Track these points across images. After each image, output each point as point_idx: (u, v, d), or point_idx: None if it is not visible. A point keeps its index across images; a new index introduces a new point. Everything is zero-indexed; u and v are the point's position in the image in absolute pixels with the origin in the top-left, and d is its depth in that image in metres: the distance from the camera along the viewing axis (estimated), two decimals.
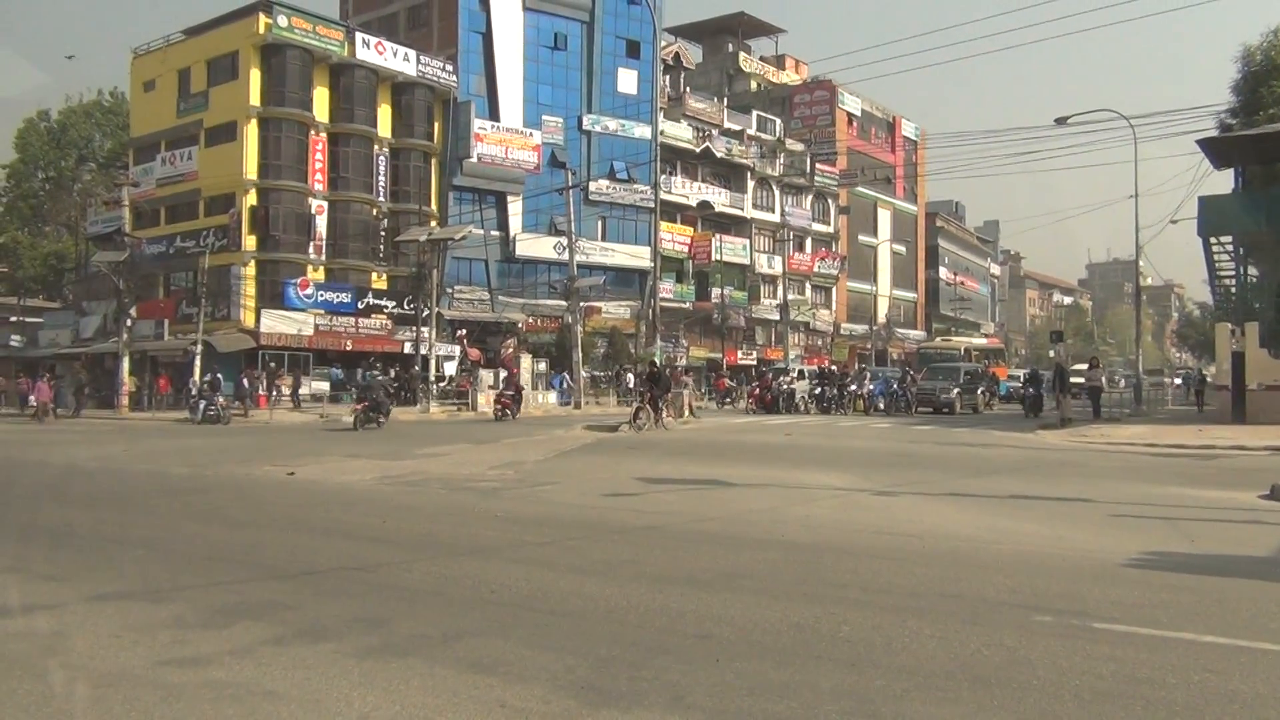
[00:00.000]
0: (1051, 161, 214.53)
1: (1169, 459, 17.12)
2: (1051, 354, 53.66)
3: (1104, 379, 34.25)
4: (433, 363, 37.77)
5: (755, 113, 64.83)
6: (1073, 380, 30.44)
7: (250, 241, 41.57)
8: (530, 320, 49.89)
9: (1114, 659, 4.66)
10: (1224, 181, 31.50)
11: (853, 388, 37.31)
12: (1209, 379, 39.31)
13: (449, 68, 47.83)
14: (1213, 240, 29.33)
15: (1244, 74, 31.65)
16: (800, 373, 41.35)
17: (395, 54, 45.69)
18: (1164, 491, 11.75)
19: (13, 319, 51.95)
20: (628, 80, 54.78)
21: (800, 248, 66.76)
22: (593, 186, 51.43)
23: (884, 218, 76.62)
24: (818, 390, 37.06)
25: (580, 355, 40.65)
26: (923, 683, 4.34)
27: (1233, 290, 31.63)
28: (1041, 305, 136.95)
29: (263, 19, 41.70)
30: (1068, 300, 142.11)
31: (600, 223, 53.47)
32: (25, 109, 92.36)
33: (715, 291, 56.22)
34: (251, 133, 42.03)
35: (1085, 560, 7.35)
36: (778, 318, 60.59)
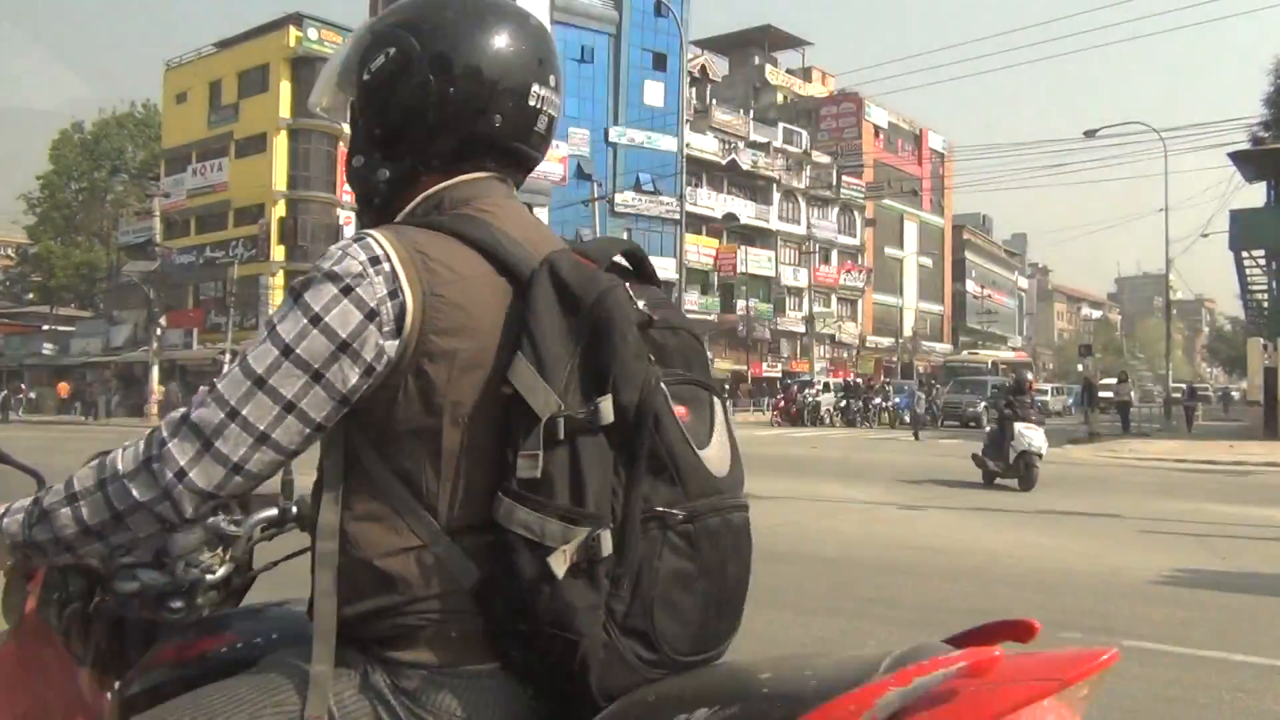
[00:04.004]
0: (1081, 174, 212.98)
1: (1199, 475, 16.93)
2: (1080, 368, 53.23)
3: (1132, 393, 33.88)
4: None
5: (781, 125, 64.79)
6: (1101, 395, 30.22)
7: (279, 252, 41.96)
8: None
9: (1143, 677, 4.60)
10: (1256, 195, 31.22)
11: (878, 400, 37.16)
12: (1199, 393, 38.59)
13: None
14: (1244, 254, 29.06)
15: (1276, 86, 31.38)
16: (825, 385, 41.23)
17: None
18: (1194, 508, 11.61)
19: (45, 327, 52.65)
20: (654, 93, 54.91)
21: (826, 260, 66.58)
22: (618, 198, 51.52)
23: (910, 230, 76.29)
24: (843, 403, 36.91)
25: None
26: None
27: (1265, 304, 31.27)
28: (1070, 319, 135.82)
29: (293, 32, 42.15)
30: (1096, 314, 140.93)
31: (625, 234, 53.43)
32: (60, 121, 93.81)
33: (740, 304, 56.17)
34: (281, 144, 42.46)
35: (1114, 577, 7.27)
36: (803, 330, 60.43)
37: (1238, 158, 28.28)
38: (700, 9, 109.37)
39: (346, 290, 1.16)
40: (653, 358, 1.20)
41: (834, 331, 65.92)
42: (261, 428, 1.15)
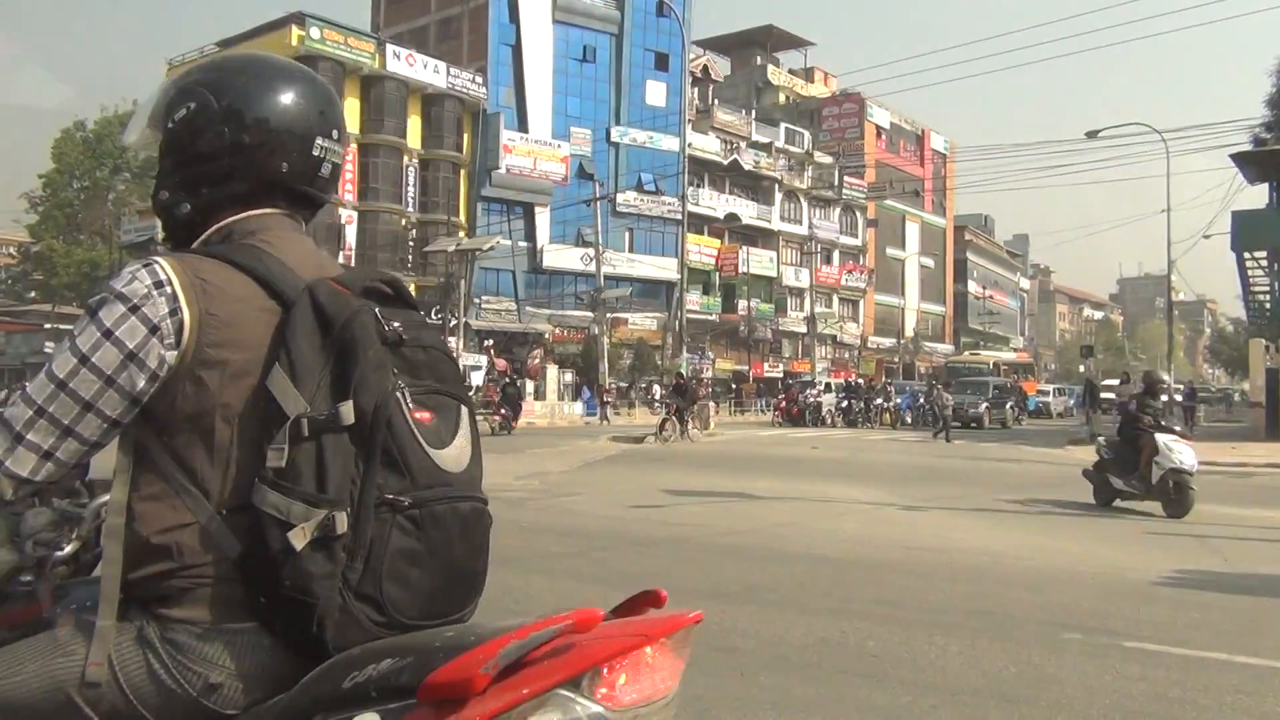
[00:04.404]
0: (1083, 175, 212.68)
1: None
2: (1081, 369, 53.20)
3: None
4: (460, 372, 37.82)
5: (783, 125, 64.77)
6: (1103, 396, 30.19)
7: None
8: (557, 331, 49.97)
9: (1144, 678, 4.60)
10: (1258, 196, 31.19)
11: (879, 401, 37.14)
12: (1198, 394, 38.34)
13: (478, 79, 48.12)
14: (1246, 254, 29.03)
15: (1278, 87, 31.34)
16: (827, 385, 41.21)
17: (425, 66, 46.02)
18: (1196, 509, 11.58)
19: (47, 325, 52.58)
20: (656, 92, 54.89)
21: (827, 260, 66.56)
22: (620, 198, 51.50)
23: (912, 231, 76.26)
24: (844, 404, 36.91)
25: (606, 366, 40.68)
26: (949, 700, 4.30)
27: (1267, 305, 31.25)
28: (1071, 320, 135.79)
29: (295, 31, 42.16)
30: (1098, 315, 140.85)
31: (627, 234, 53.54)
32: (62, 119, 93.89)
33: (742, 304, 56.17)
34: None
35: (1115, 578, 7.26)
36: (805, 330, 60.44)
37: (1240, 159, 28.25)
38: (702, 9, 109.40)
39: (134, 309, 1.38)
40: (398, 370, 1.43)
41: (835, 332, 65.92)
42: (66, 423, 1.37)
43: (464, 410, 1.52)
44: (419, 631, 1.39)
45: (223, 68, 1.60)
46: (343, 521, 1.35)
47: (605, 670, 1.23)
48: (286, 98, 1.56)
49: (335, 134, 1.62)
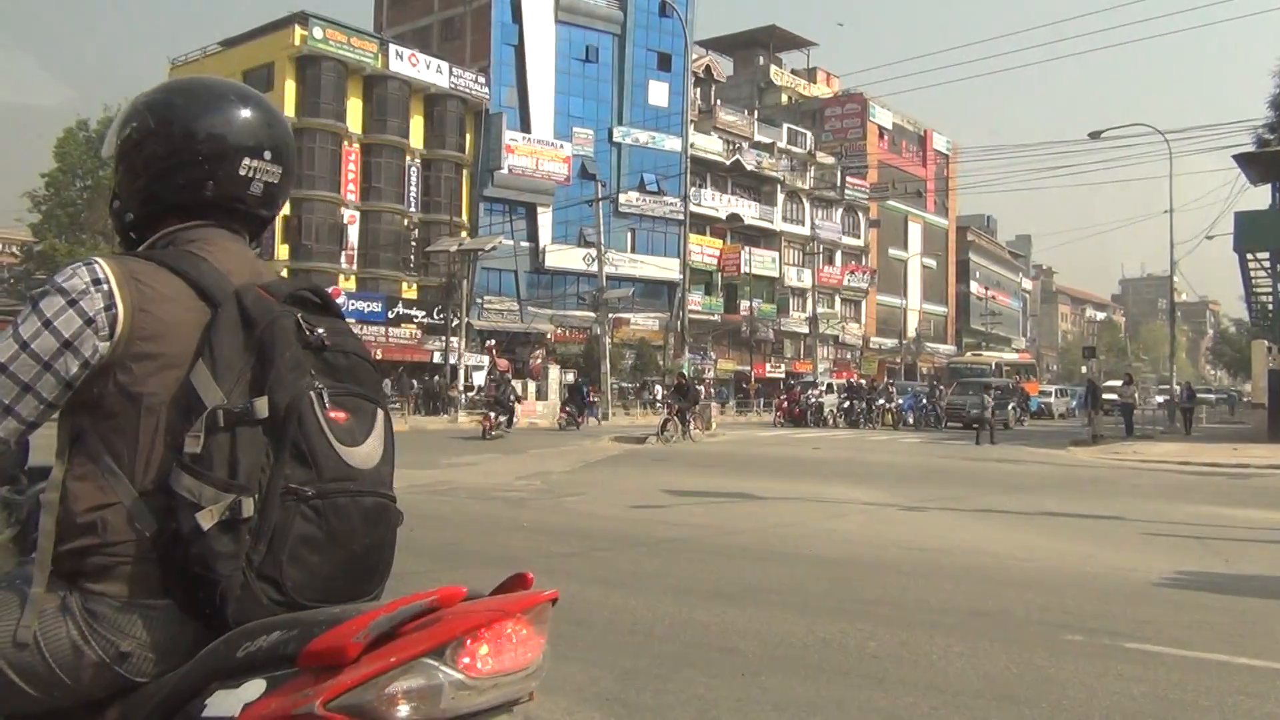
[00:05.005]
0: (1085, 176, 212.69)
1: (1203, 477, 16.90)
2: (1084, 370, 53.15)
3: (1136, 395, 33.72)
4: (462, 372, 37.89)
5: (786, 126, 64.75)
6: (1105, 397, 30.16)
7: (283, 251, 41.98)
8: (559, 331, 49.98)
9: (1146, 680, 4.60)
10: (1261, 197, 31.16)
11: (881, 402, 37.11)
12: (1197, 395, 37.97)
13: (481, 80, 48.14)
14: (1249, 255, 28.98)
15: None
16: (829, 386, 41.19)
17: (428, 66, 46.06)
18: (1198, 510, 11.59)
19: None
20: (658, 93, 54.90)
21: (830, 261, 66.54)
22: (622, 198, 51.52)
23: (915, 231, 76.25)
24: (846, 404, 36.89)
25: (608, 367, 40.66)
26: (951, 700, 4.30)
27: (1269, 306, 31.22)
28: (1074, 320, 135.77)
29: (298, 31, 42.20)
30: (1101, 316, 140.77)
31: (629, 234, 53.54)
32: (65, 119, 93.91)
33: (744, 304, 56.15)
34: None
35: (1117, 579, 7.25)
36: (807, 331, 60.41)
37: (1243, 160, 28.23)
38: (705, 9, 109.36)
39: (72, 303, 1.50)
40: (319, 372, 1.55)
41: (838, 332, 65.90)
42: (6, 402, 1.50)
43: (379, 413, 1.64)
44: (312, 610, 1.48)
45: (167, 90, 1.72)
46: (249, 506, 1.45)
47: (468, 641, 1.35)
48: (215, 120, 1.67)
49: (268, 155, 1.71)
